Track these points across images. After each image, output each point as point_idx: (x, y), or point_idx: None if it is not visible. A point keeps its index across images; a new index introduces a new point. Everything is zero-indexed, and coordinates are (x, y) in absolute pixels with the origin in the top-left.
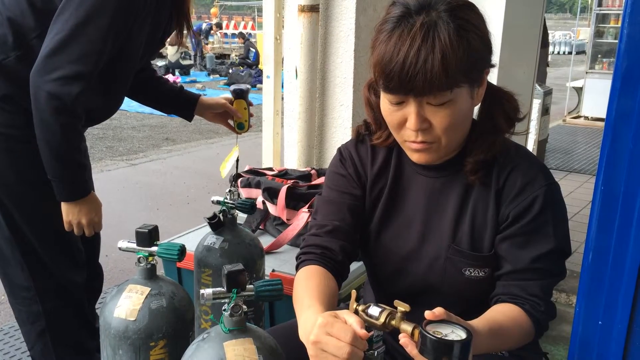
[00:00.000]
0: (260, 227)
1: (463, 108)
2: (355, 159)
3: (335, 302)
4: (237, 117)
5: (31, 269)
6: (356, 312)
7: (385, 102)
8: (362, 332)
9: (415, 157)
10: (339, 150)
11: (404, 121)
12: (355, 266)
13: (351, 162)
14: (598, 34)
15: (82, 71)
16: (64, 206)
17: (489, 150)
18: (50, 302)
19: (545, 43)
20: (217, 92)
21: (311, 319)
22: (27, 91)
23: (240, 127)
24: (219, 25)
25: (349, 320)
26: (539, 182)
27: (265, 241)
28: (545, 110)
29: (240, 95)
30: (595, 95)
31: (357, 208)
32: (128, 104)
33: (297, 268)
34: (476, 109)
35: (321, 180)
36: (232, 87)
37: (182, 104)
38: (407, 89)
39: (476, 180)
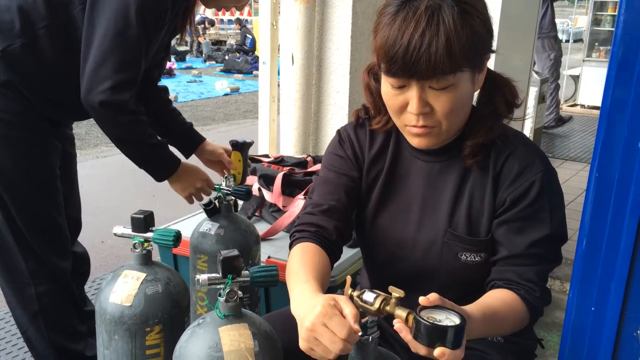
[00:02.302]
0: (256, 213)
1: (464, 93)
2: (353, 141)
3: (328, 280)
4: (231, 168)
5: (23, 254)
6: (351, 298)
7: (387, 86)
8: (357, 327)
9: (415, 142)
10: (338, 132)
11: (405, 105)
12: (351, 252)
13: (349, 144)
14: (595, 21)
15: (128, 78)
16: (172, 186)
17: (488, 133)
18: (43, 286)
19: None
20: (213, 79)
21: (306, 295)
22: (29, 79)
23: (233, 179)
24: (212, 23)
25: (346, 312)
26: (537, 167)
27: (261, 228)
28: (541, 98)
29: (237, 147)
30: (592, 84)
31: (353, 190)
32: None
33: (291, 245)
34: (475, 95)
35: (317, 167)
36: (232, 139)
37: (186, 142)
38: (410, 73)
39: (474, 164)
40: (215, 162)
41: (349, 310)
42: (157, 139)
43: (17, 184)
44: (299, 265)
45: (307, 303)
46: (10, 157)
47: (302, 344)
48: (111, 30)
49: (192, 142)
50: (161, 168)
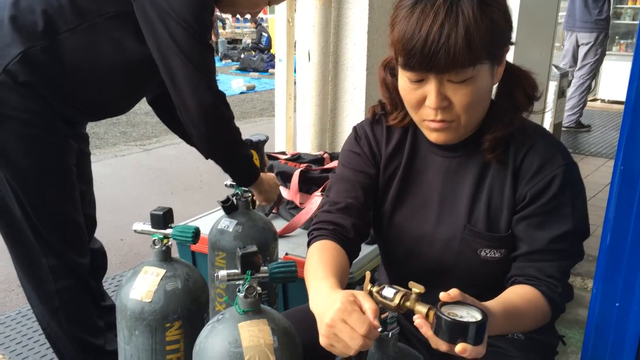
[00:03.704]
0: (273, 211)
1: (483, 86)
2: (370, 137)
3: (347, 277)
4: None
5: (43, 250)
6: (370, 293)
7: (404, 80)
8: (376, 323)
9: (433, 137)
10: (355, 128)
11: (423, 100)
12: (369, 249)
13: (366, 141)
14: (615, 15)
15: (213, 86)
16: (253, 189)
17: (507, 127)
18: (62, 282)
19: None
20: (229, 77)
21: (325, 292)
22: (48, 81)
23: None
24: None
25: (366, 307)
26: (557, 161)
27: (278, 225)
28: (561, 93)
29: (252, 146)
30: (613, 78)
31: (370, 187)
32: None
33: (309, 243)
34: (493, 89)
35: (334, 164)
36: (246, 138)
37: None
38: (429, 66)
39: (493, 159)
40: None
41: (368, 305)
42: (246, 149)
43: (35, 183)
44: (318, 263)
45: (326, 299)
46: (27, 155)
47: (322, 340)
48: (188, 49)
49: None
50: (247, 176)
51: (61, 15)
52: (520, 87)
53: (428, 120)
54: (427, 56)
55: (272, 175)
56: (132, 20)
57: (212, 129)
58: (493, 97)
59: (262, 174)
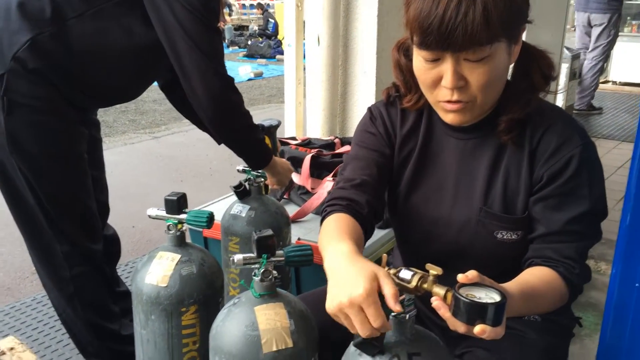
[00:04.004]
0: (285, 196)
1: (500, 65)
2: (385, 118)
3: (363, 248)
4: None
5: (57, 237)
6: None
7: (419, 60)
8: (398, 307)
9: (449, 118)
10: (369, 109)
11: (439, 80)
12: (382, 233)
13: (381, 121)
14: None
15: (221, 71)
16: (266, 172)
17: (524, 107)
18: (77, 268)
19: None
20: (236, 64)
21: (346, 255)
22: (57, 67)
23: None
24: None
25: (386, 291)
26: (575, 141)
27: (291, 210)
28: (573, 75)
29: (264, 131)
30: (624, 59)
31: (385, 166)
32: None
33: (323, 219)
34: (510, 69)
35: (345, 148)
36: (258, 123)
37: None
38: (446, 44)
39: (509, 140)
40: None
41: (388, 289)
42: (258, 133)
43: (46, 170)
44: (335, 228)
45: (348, 268)
46: (38, 142)
47: (330, 309)
48: (195, 41)
49: None
50: (260, 159)
51: (68, 1)
52: (536, 67)
53: (444, 101)
54: (444, 34)
55: (285, 160)
56: (139, 5)
57: (221, 114)
58: (509, 77)
59: (274, 157)
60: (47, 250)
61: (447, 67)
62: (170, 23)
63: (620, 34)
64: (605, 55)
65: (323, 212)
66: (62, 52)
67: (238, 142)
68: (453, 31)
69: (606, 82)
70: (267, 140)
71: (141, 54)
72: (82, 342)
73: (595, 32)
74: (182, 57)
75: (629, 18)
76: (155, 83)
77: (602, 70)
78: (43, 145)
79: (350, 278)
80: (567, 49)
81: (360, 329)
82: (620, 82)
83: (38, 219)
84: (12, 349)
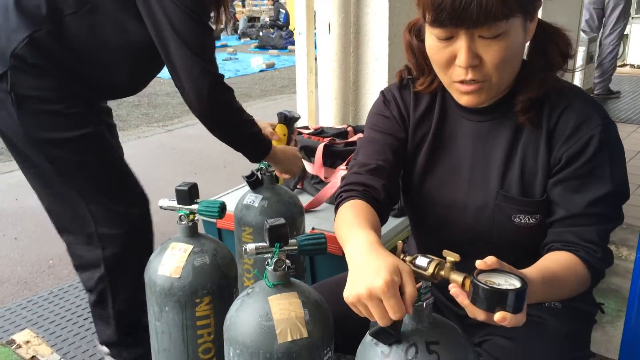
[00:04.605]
0: (298, 186)
1: (516, 42)
2: (399, 101)
3: (380, 236)
4: (274, 139)
5: (93, 214)
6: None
7: (432, 39)
8: (410, 310)
9: (463, 100)
10: (382, 92)
11: (453, 59)
12: (396, 222)
13: (395, 104)
14: None
15: (209, 68)
16: (268, 162)
17: (541, 86)
18: (110, 249)
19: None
20: (248, 56)
21: (368, 246)
22: (57, 63)
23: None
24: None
25: (407, 290)
26: (595, 121)
27: (304, 200)
28: (589, 59)
29: (284, 120)
30: None
31: (399, 150)
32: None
33: (338, 205)
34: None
35: (358, 137)
36: (281, 111)
37: None
38: (460, 20)
39: (526, 121)
40: None
41: (409, 289)
42: (252, 126)
43: (71, 154)
44: (353, 216)
45: (369, 258)
46: (54, 129)
47: (348, 298)
48: (184, 43)
49: None
50: (257, 151)
51: None
52: (553, 45)
53: (457, 81)
54: (458, 9)
55: (292, 148)
56: (133, 3)
57: (210, 112)
58: (525, 57)
59: (277, 147)
60: (80, 230)
61: (461, 45)
62: (159, 19)
63: (637, 16)
64: (621, 37)
65: (338, 197)
66: (60, 48)
67: (231, 138)
68: (467, 6)
69: (624, 65)
70: (284, 130)
71: (137, 50)
72: (103, 330)
73: (613, 16)
74: (171, 54)
75: None
76: (169, 76)
77: (618, 54)
78: (60, 130)
79: (371, 269)
80: (584, 31)
81: (380, 319)
82: (637, 66)
83: (73, 197)
84: (28, 342)
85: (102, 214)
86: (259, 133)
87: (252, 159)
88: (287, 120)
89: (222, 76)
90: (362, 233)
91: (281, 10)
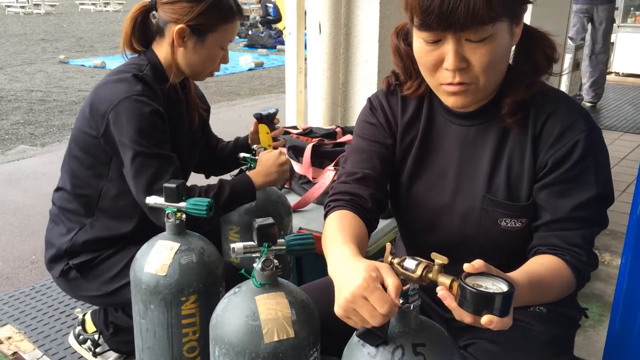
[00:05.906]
0: (286, 185)
1: (502, 45)
2: (385, 108)
3: (366, 246)
4: (255, 142)
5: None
6: (391, 265)
7: (420, 42)
8: (397, 301)
9: (451, 101)
10: (369, 99)
11: (440, 62)
12: (385, 223)
13: (382, 111)
14: None
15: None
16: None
17: (528, 89)
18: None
19: None
20: (236, 54)
21: (346, 258)
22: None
23: (263, 151)
24: None
25: (388, 283)
26: (580, 126)
27: (292, 199)
28: (576, 65)
29: (262, 120)
30: (628, 51)
31: (387, 157)
32: None
33: (326, 215)
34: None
35: (346, 138)
36: (255, 113)
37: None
38: (447, 24)
39: (513, 124)
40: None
41: (391, 281)
42: (229, 191)
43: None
44: (336, 230)
45: (347, 268)
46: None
47: (339, 311)
48: (135, 147)
49: (244, 147)
50: (246, 195)
51: (89, 196)
52: (539, 49)
53: (445, 83)
54: (446, 13)
55: (270, 156)
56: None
57: (205, 222)
58: (510, 61)
59: (251, 173)
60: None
61: (448, 48)
62: (125, 166)
63: (623, 24)
64: (607, 45)
65: (326, 207)
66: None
67: (228, 209)
68: (454, 9)
69: (609, 73)
70: (266, 129)
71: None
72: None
73: (603, 25)
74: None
75: (632, 9)
76: None
77: (607, 60)
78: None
79: (350, 275)
80: (571, 39)
81: (370, 319)
82: (623, 73)
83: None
84: (9, 338)
85: None
86: (232, 190)
87: (250, 200)
88: (265, 118)
89: (163, 210)
90: (340, 249)
91: (268, 4)
